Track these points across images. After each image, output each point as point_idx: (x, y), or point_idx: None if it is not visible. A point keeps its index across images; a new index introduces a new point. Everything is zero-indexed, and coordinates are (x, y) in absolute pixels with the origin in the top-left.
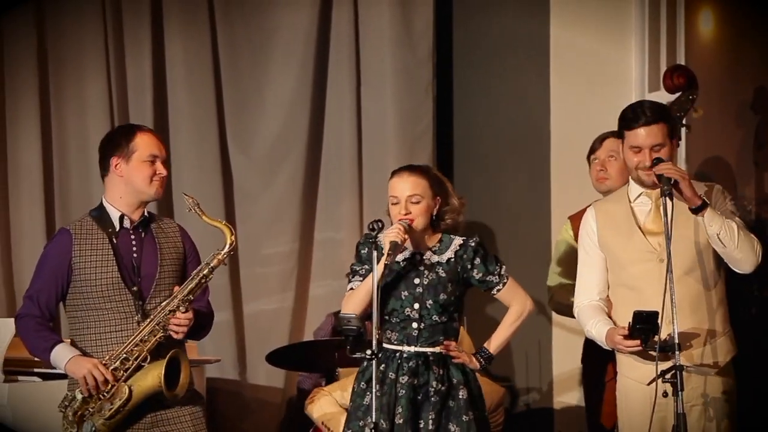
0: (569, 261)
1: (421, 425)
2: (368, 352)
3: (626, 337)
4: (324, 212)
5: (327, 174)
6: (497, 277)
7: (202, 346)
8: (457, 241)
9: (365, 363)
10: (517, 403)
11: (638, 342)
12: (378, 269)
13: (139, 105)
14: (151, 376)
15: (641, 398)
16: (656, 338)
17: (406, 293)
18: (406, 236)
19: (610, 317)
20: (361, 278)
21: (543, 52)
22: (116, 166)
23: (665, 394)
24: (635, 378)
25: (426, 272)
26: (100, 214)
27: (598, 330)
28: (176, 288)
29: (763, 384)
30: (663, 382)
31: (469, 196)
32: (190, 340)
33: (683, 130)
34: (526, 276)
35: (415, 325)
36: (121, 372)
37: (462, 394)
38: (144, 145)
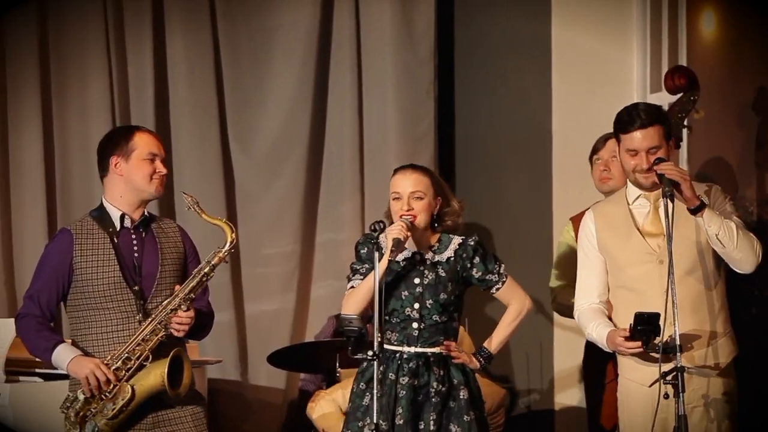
0: (571, 262)
1: (422, 426)
2: (369, 353)
3: (627, 339)
4: (325, 213)
5: (328, 174)
6: (497, 275)
7: (203, 346)
8: (457, 240)
9: (364, 364)
10: (518, 404)
11: (639, 344)
12: (381, 266)
13: (141, 104)
14: (154, 375)
15: (642, 400)
16: (657, 340)
17: (406, 293)
18: (409, 233)
19: (610, 320)
20: (362, 277)
21: (544, 53)
22: (116, 165)
23: (666, 396)
24: (636, 380)
25: (426, 272)
26: (100, 214)
27: (599, 332)
28: (177, 287)
29: (763, 384)
30: (664, 383)
31: (471, 197)
32: (191, 340)
33: (684, 131)
34: (528, 276)
35: (415, 325)
36: (123, 372)
37: (463, 394)
38: (143, 143)
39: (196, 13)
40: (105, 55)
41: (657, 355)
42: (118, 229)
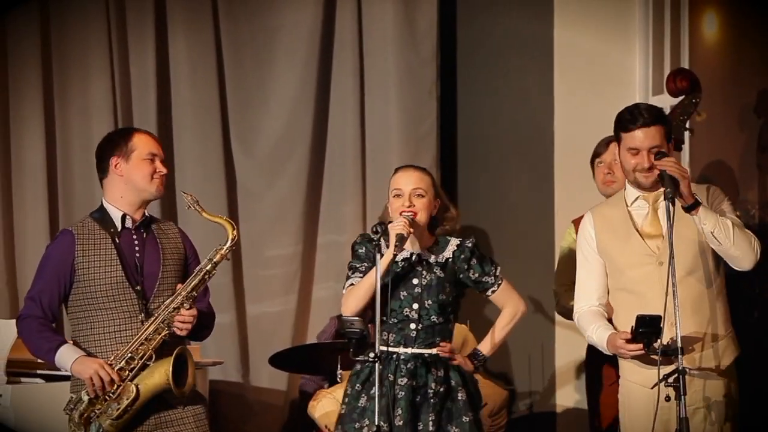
0: (573, 265)
1: (420, 427)
2: (371, 354)
3: (629, 341)
4: (327, 214)
5: (330, 174)
6: (492, 278)
7: (204, 348)
8: (454, 241)
9: (358, 366)
10: (520, 406)
11: (641, 346)
12: (384, 261)
13: (143, 104)
14: (158, 374)
15: (644, 402)
16: (658, 342)
17: (404, 293)
18: (411, 229)
19: (610, 322)
20: (361, 275)
21: (547, 53)
22: (116, 165)
23: (668, 398)
24: (638, 382)
25: (424, 273)
26: (101, 215)
27: (599, 335)
28: (179, 285)
29: (765, 386)
30: (666, 385)
31: (473, 197)
32: (192, 341)
33: (686, 133)
34: (529, 277)
35: (413, 326)
36: (127, 372)
37: (461, 395)
38: (142, 144)
39: (198, 13)
40: (107, 55)
41: (657, 358)
42: (119, 229)
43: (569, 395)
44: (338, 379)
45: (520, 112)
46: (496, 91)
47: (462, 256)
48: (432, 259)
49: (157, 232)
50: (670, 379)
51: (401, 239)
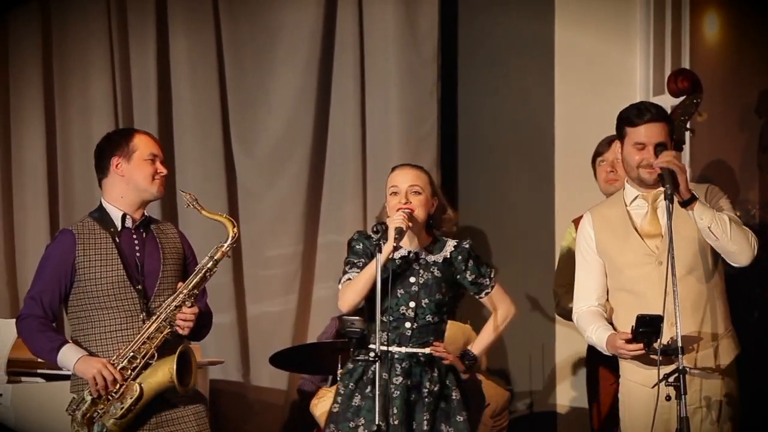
0: (574, 265)
1: (415, 426)
2: (371, 354)
3: (629, 341)
4: (328, 213)
5: (331, 174)
6: (488, 280)
7: (205, 347)
8: (451, 242)
9: (350, 364)
10: (520, 406)
11: (641, 346)
12: (383, 255)
13: (143, 104)
14: (162, 372)
15: (644, 401)
16: (658, 341)
17: (401, 291)
18: (410, 223)
19: (610, 322)
20: (359, 270)
21: (547, 54)
22: (117, 165)
23: (668, 398)
24: (638, 381)
25: (421, 271)
26: (100, 215)
27: (599, 336)
28: (180, 284)
29: (765, 385)
30: (666, 385)
31: (473, 197)
32: (191, 340)
33: (687, 133)
34: (529, 277)
35: (408, 324)
36: (129, 371)
37: (455, 394)
38: (144, 144)
39: (199, 13)
40: (108, 54)
41: (656, 357)
42: (119, 228)
43: (569, 395)
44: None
45: (520, 113)
46: (497, 91)
47: (460, 257)
48: (430, 258)
49: (156, 232)
50: (671, 379)
51: (400, 232)
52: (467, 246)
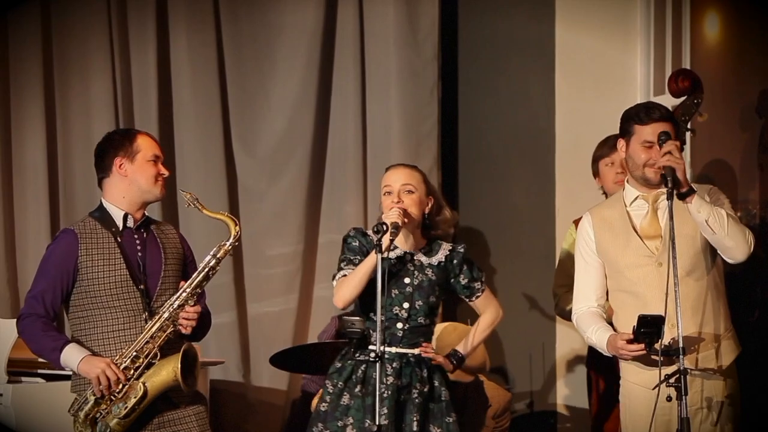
0: (574, 266)
1: (404, 427)
2: (372, 354)
3: (629, 342)
4: (328, 213)
5: (331, 174)
6: (479, 283)
7: (205, 347)
8: (447, 246)
9: (338, 363)
10: (520, 406)
11: (642, 346)
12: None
13: (144, 104)
14: (166, 371)
15: (645, 403)
16: (659, 342)
17: (396, 291)
18: (406, 219)
19: (610, 323)
20: (354, 267)
21: (548, 54)
22: (120, 166)
23: (669, 399)
24: (639, 383)
25: (416, 273)
26: (101, 215)
27: (599, 337)
28: (183, 283)
29: (766, 386)
30: (667, 386)
31: (474, 197)
32: (190, 340)
33: (688, 133)
34: (530, 277)
35: (400, 325)
36: (132, 371)
37: (444, 395)
38: (147, 145)
39: (199, 13)
40: (108, 54)
41: (657, 358)
42: (120, 228)
43: (570, 395)
44: None
45: (521, 113)
46: (498, 91)
47: (455, 261)
48: (425, 260)
49: (157, 233)
50: (672, 380)
51: (396, 227)
52: (462, 251)
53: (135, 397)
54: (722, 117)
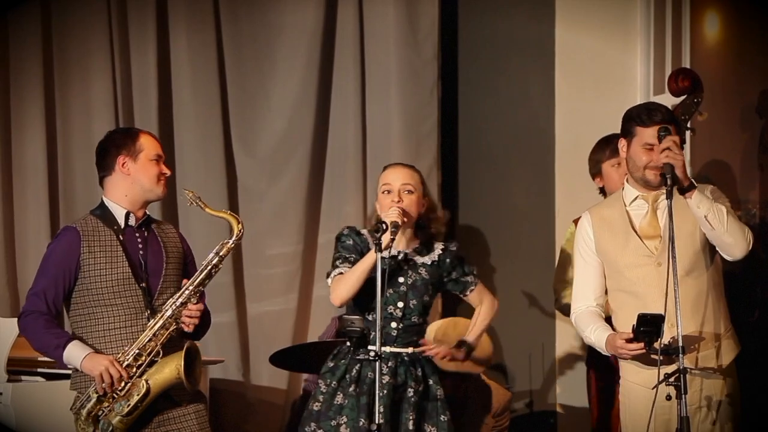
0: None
1: (401, 425)
2: (372, 353)
3: (629, 341)
4: (328, 213)
5: (331, 174)
6: (472, 277)
7: (205, 346)
8: (439, 245)
9: (330, 363)
10: (520, 405)
11: (641, 345)
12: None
13: (144, 104)
14: (169, 369)
15: (645, 402)
16: (659, 341)
17: (390, 291)
18: (405, 219)
19: (608, 322)
20: (350, 265)
21: (548, 54)
22: (123, 164)
23: (669, 398)
24: (639, 382)
25: (410, 272)
26: (103, 213)
27: (597, 336)
28: (185, 281)
29: (765, 385)
30: (667, 385)
31: (474, 197)
32: (190, 339)
33: (688, 133)
34: (530, 277)
35: (394, 324)
36: (134, 368)
37: (439, 394)
38: (149, 145)
39: (199, 13)
40: (108, 54)
41: (657, 357)
42: (122, 227)
43: (569, 394)
44: None
45: (521, 113)
46: (497, 91)
47: (448, 260)
48: (418, 259)
49: (158, 231)
50: (671, 379)
51: (396, 226)
52: (455, 249)
53: (138, 395)
54: (722, 116)
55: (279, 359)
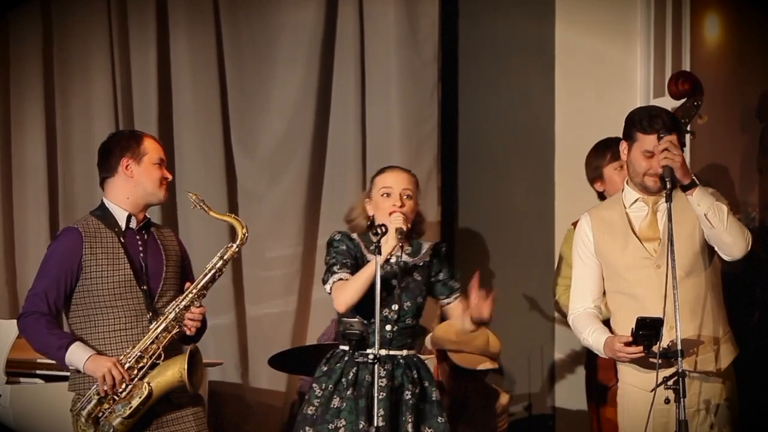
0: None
1: (399, 427)
2: (371, 356)
3: (628, 344)
4: (328, 216)
5: (331, 176)
6: (457, 284)
7: (204, 349)
8: (427, 245)
9: (324, 367)
10: (518, 407)
11: (640, 349)
12: (382, 258)
13: (144, 105)
14: (172, 372)
15: (643, 405)
16: (658, 344)
17: (384, 294)
18: (409, 224)
19: (607, 324)
20: (348, 270)
21: (548, 56)
22: (127, 167)
23: (667, 401)
24: (637, 385)
25: (402, 274)
26: (103, 214)
27: (595, 339)
28: (188, 284)
29: (765, 387)
30: (665, 388)
31: (474, 199)
32: (189, 341)
33: (688, 136)
34: (529, 279)
35: (389, 327)
36: (136, 371)
37: (435, 395)
38: (153, 148)
39: (199, 13)
40: (108, 55)
41: (655, 360)
42: (123, 229)
43: (568, 397)
44: None
45: (521, 114)
46: (498, 92)
47: (436, 260)
48: (410, 262)
49: (157, 234)
50: (670, 382)
51: (401, 233)
52: (443, 249)
53: (140, 397)
54: (722, 119)
55: (278, 361)
